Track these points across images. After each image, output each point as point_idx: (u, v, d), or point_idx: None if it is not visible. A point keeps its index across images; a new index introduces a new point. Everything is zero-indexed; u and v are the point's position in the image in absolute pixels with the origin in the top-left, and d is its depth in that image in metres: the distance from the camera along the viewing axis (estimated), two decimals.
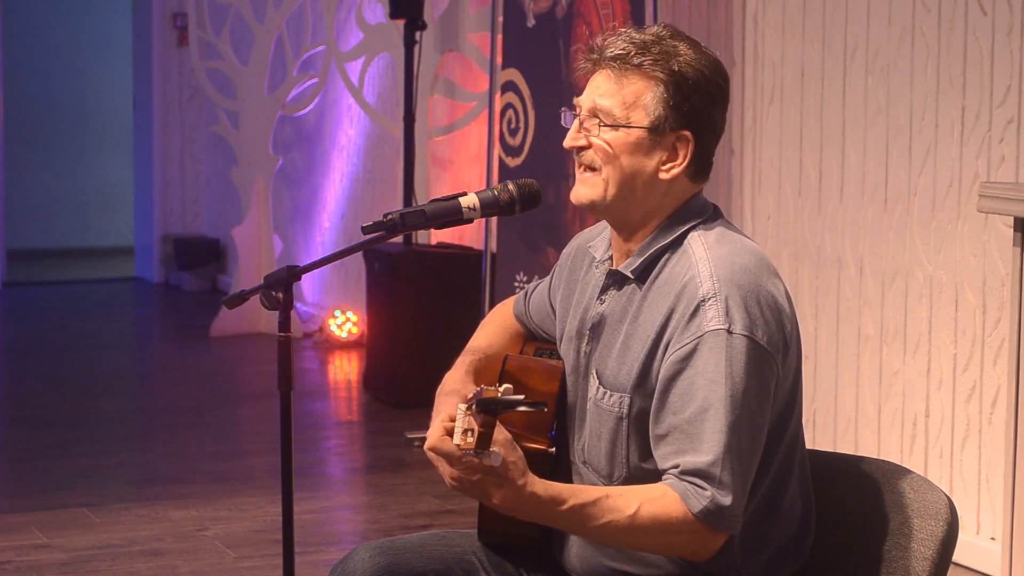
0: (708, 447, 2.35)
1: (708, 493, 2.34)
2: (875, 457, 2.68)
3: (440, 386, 2.68)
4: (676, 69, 2.46)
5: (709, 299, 2.40)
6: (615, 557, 2.54)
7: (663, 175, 2.49)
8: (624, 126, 2.48)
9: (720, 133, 2.53)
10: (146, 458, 6.28)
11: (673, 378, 2.41)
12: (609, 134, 2.49)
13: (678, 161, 2.49)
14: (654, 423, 2.43)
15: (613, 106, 2.49)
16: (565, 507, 2.36)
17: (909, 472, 2.56)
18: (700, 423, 2.36)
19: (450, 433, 2.36)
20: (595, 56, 2.52)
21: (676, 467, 2.38)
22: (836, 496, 2.59)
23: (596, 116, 2.51)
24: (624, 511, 2.36)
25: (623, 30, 2.54)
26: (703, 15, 5.80)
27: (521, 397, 2.23)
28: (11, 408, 7.09)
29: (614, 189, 2.50)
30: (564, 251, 2.78)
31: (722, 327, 2.38)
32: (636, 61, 2.47)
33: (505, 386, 2.25)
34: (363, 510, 5.55)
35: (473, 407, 2.24)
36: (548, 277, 2.81)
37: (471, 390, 2.64)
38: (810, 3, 5.33)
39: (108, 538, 5.00)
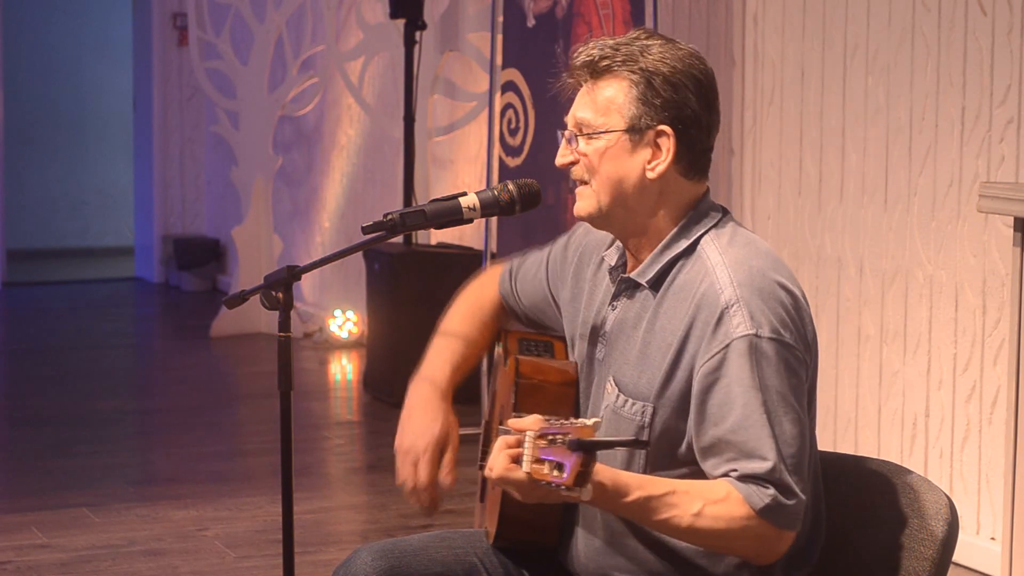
0: (763, 453, 2.35)
1: (771, 492, 2.34)
2: (875, 457, 2.68)
3: (419, 372, 2.71)
4: (644, 66, 2.45)
5: (732, 305, 2.39)
6: (622, 567, 2.53)
7: (650, 174, 2.48)
8: (603, 132, 2.48)
9: (708, 126, 2.50)
10: (146, 458, 6.28)
11: (708, 389, 2.39)
12: (591, 144, 2.49)
13: (662, 157, 2.47)
14: (696, 436, 2.42)
15: (591, 116, 2.49)
16: (630, 499, 2.36)
17: (909, 472, 2.56)
18: (745, 431, 2.36)
19: (516, 459, 2.33)
20: (570, 69, 2.53)
21: (734, 471, 2.37)
22: (836, 496, 2.59)
23: (579, 130, 2.51)
24: (687, 510, 2.36)
25: (595, 39, 2.54)
26: (703, 15, 5.80)
27: (620, 438, 2.28)
28: (11, 408, 7.09)
29: (606, 198, 2.50)
30: (570, 243, 2.74)
31: (750, 332, 2.37)
32: (604, 64, 2.48)
33: (595, 420, 2.25)
34: (363, 510, 5.55)
35: (566, 443, 2.21)
36: (541, 261, 2.78)
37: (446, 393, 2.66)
38: (810, 3, 5.33)
39: (108, 538, 5.00)
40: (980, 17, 4.67)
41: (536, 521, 2.59)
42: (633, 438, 2.34)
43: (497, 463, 2.32)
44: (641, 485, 2.38)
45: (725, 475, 2.38)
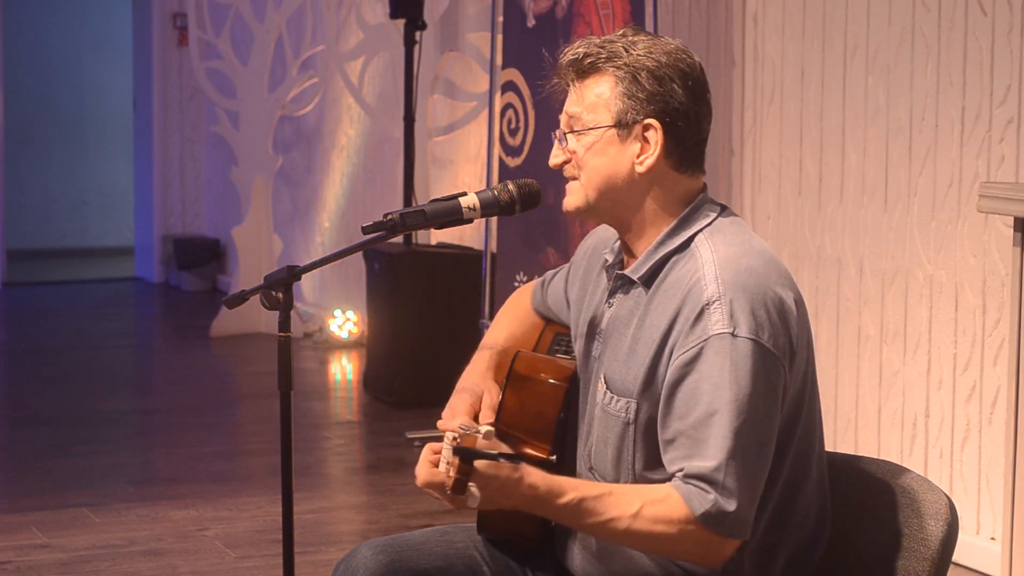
0: (712, 452, 2.33)
1: (711, 497, 2.32)
2: (875, 457, 2.67)
3: (460, 382, 2.70)
4: (628, 62, 2.47)
5: (714, 302, 2.38)
6: (619, 573, 2.53)
7: (639, 168, 2.48)
8: (591, 128, 2.49)
9: (698, 118, 2.50)
10: (146, 458, 6.28)
11: (678, 382, 2.39)
12: (580, 141, 2.50)
13: (650, 151, 2.48)
14: (661, 428, 2.41)
15: (580, 112, 2.51)
16: (564, 500, 2.35)
17: (909, 472, 2.56)
18: (705, 428, 2.34)
19: (437, 464, 2.37)
20: (557, 70, 2.54)
21: (681, 470, 2.36)
22: (836, 496, 2.59)
23: (569, 128, 2.53)
24: (626, 510, 2.34)
25: (581, 39, 2.55)
26: (703, 15, 5.80)
27: (497, 451, 2.24)
28: (11, 408, 7.09)
29: (594, 192, 2.51)
30: (582, 246, 2.77)
31: (727, 330, 2.36)
32: (589, 62, 2.49)
33: (487, 428, 2.25)
34: (363, 510, 5.55)
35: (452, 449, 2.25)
36: (565, 269, 2.80)
37: (489, 387, 2.65)
38: (810, 3, 5.33)
39: (108, 538, 5.00)
40: (980, 17, 4.67)
41: (509, 510, 2.57)
42: (513, 453, 2.33)
43: (421, 472, 2.38)
44: (576, 487, 2.37)
45: (672, 475, 2.37)
